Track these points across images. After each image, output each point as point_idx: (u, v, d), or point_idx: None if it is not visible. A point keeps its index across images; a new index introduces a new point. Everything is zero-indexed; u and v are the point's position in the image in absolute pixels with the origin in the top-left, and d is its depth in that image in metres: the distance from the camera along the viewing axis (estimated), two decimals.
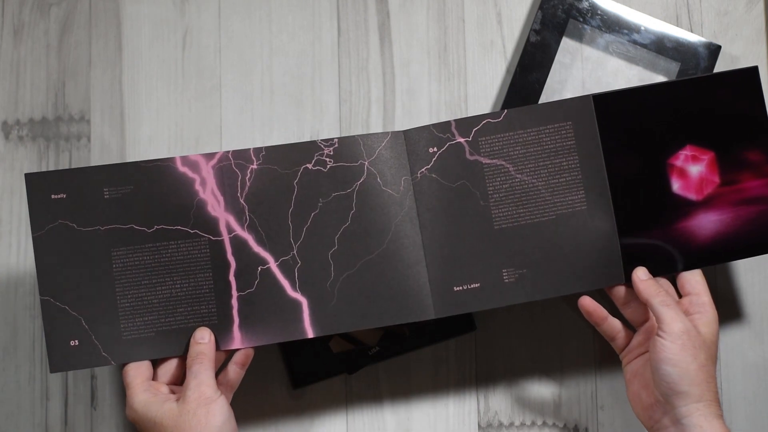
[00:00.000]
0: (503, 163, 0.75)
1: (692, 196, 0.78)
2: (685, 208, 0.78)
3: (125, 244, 0.71)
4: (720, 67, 0.92)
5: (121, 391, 0.89)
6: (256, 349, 0.90)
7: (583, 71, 0.93)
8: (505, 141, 0.75)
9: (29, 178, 0.71)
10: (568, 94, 0.92)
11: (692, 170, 0.77)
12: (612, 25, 0.92)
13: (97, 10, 0.93)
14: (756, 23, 0.94)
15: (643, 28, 0.92)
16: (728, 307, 0.91)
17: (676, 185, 0.77)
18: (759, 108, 0.78)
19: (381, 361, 0.87)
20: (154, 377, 0.77)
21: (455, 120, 0.77)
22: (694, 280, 0.79)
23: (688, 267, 0.79)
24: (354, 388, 0.89)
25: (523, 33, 0.93)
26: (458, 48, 0.93)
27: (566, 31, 0.92)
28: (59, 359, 0.74)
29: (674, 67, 0.91)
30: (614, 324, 0.80)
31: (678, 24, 0.94)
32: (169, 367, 0.77)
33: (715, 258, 0.80)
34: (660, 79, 0.93)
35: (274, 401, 0.89)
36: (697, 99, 0.78)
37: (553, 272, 0.77)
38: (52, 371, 0.74)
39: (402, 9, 0.94)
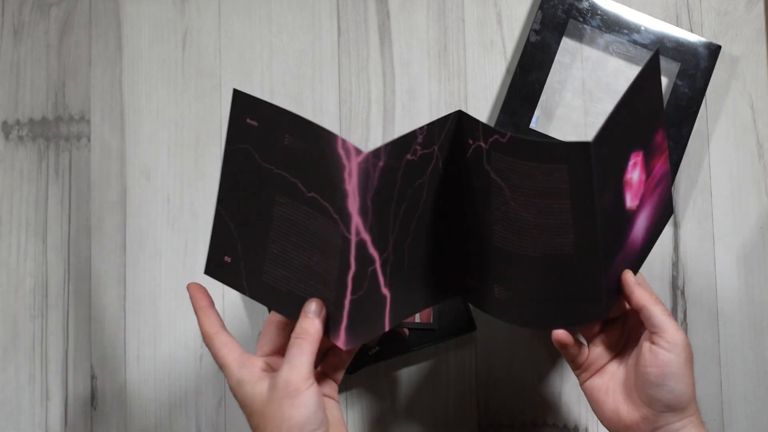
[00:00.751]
0: (503, 184, 0.71)
1: (636, 202, 0.71)
2: (631, 218, 0.71)
3: (288, 195, 0.69)
4: (720, 67, 0.92)
5: (121, 391, 0.89)
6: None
7: (583, 71, 0.93)
8: (506, 163, 0.71)
9: (237, 93, 0.68)
10: (568, 95, 0.92)
11: (634, 177, 0.70)
12: (612, 25, 0.92)
13: (97, 10, 0.93)
14: (756, 23, 0.94)
15: (643, 28, 0.92)
16: (728, 307, 0.91)
17: (628, 199, 0.70)
18: (658, 88, 0.72)
19: (381, 361, 0.87)
20: (258, 345, 0.72)
21: (482, 123, 0.70)
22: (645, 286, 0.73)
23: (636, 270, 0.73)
24: (354, 387, 0.89)
25: (523, 33, 0.93)
26: (458, 48, 0.93)
27: (566, 31, 0.92)
28: (214, 266, 0.73)
29: (674, 67, 0.91)
30: (571, 344, 0.74)
31: (678, 24, 0.94)
32: (272, 336, 0.72)
33: (644, 256, 0.74)
34: (660, 79, 0.92)
35: None
36: (628, 108, 0.70)
37: (535, 306, 0.72)
38: (205, 272, 0.72)
39: (402, 9, 0.94)
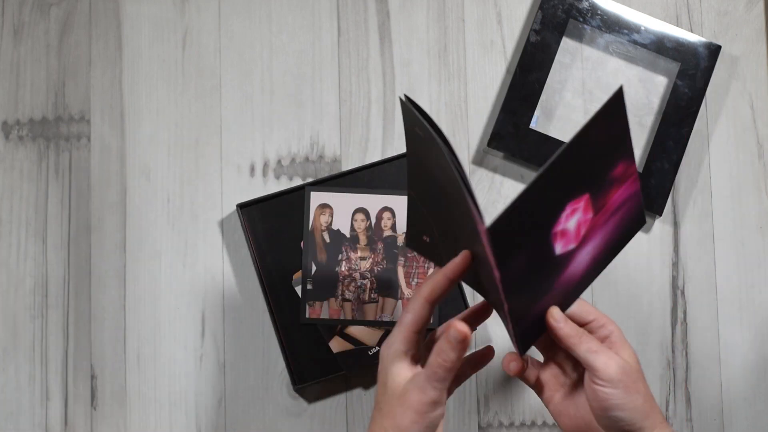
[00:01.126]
0: None
1: (572, 245, 0.68)
2: (565, 260, 0.69)
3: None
4: (720, 67, 0.92)
5: (121, 391, 0.89)
6: (257, 347, 0.90)
7: (583, 71, 0.93)
8: None
9: (405, 100, 0.67)
10: (568, 95, 0.92)
11: (571, 224, 0.68)
12: (612, 25, 0.92)
13: (97, 10, 0.93)
14: (756, 23, 0.94)
15: (643, 28, 0.91)
16: (728, 307, 0.91)
17: (559, 246, 0.68)
18: (623, 123, 0.68)
19: None
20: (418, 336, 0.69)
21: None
22: (583, 306, 0.71)
23: (567, 307, 0.72)
24: (354, 387, 0.89)
25: (523, 33, 0.93)
26: (458, 48, 0.93)
27: (566, 31, 0.92)
28: (415, 244, 0.74)
29: (674, 67, 0.91)
30: (531, 368, 0.74)
31: (678, 24, 0.94)
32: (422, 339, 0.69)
33: (585, 285, 0.72)
34: (660, 79, 0.93)
35: (275, 400, 0.89)
36: (571, 158, 0.66)
37: None
38: (407, 245, 0.74)
39: (402, 9, 0.93)
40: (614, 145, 0.68)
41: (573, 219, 0.67)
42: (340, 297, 0.88)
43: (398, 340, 0.66)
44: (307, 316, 0.88)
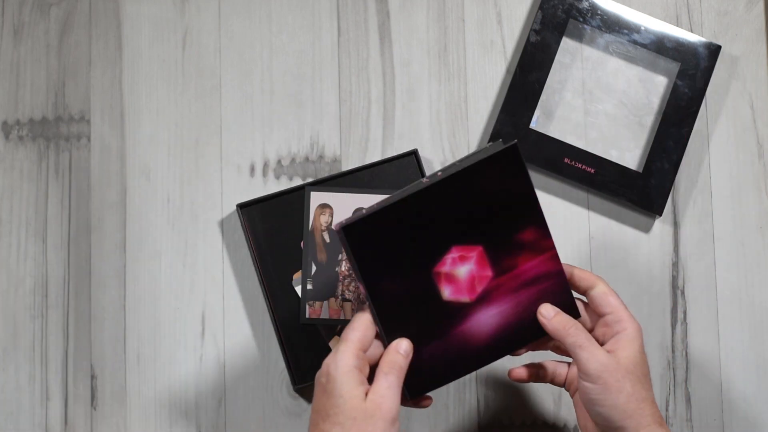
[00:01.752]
0: None
1: (465, 297, 0.70)
2: (459, 312, 0.71)
3: None
4: (720, 67, 0.92)
5: (121, 391, 0.89)
6: (257, 347, 0.91)
7: (583, 71, 0.93)
8: None
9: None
10: (568, 95, 0.92)
11: (460, 272, 0.70)
12: (612, 25, 0.92)
13: (97, 10, 0.93)
14: (756, 23, 0.94)
15: (643, 28, 0.91)
16: (728, 307, 0.91)
17: (447, 292, 0.70)
18: (524, 185, 0.69)
19: None
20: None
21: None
22: (605, 298, 0.72)
23: (469, 369, 0.73)
24: None
25: (523, 33, 0.93)
26: (458, 48, 0.93)
27: (566, 31, 0.92)
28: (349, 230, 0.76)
29: (674, 67, 0.91)
30: (547, 368, 0.77)
31: (678, 24, 0.94)
32: (377, 351, 0.71)
33: (498, 353, 0.73)
34: (660, 79, 0.93)
35: (275, 400, 0.89)
36: (458, 197, 0.69)
37: None
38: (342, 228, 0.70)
39: (402, 9, 0.93)
40: (518, 204, 0.70)
41: (463, 268, 0.70)
42: (340, 297, 0.88)
43: (349, 355, 0.68)
44: (307, 316, 0.88)
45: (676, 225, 0.92)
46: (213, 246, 0.90)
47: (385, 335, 0.70)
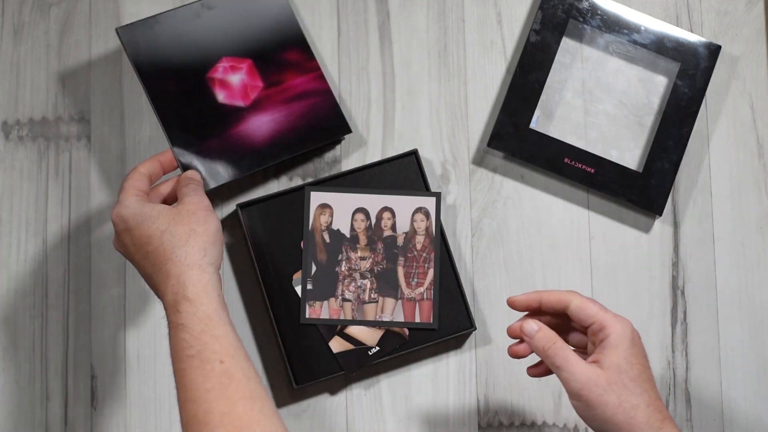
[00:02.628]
0: None
1: (240, 102, 0.85)
2: (235, 114, 0.85)
3: None
4: (720, 67, 0.92)
5: (121, 391, 0.89)
6: (257, 347, 0.91)
7: (583, 71, 0.93)
8: None
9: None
10: (568, 95, 0.92)
11: (233, 79, 0.85)
12: (612, 25, 0.92)
13: (97, 10, 0.93)
14: (756, 23, 0.94)
15: (643, 28, 0.92)
16: (728, 307, 0.91)
17: (221, 95, 0.85)
18: (285, 11, 0.87)
19: (381, 360, 0.87)
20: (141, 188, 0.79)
21: None
22: (582, 311, 0.71)
23: (253, 167, 0.85)
24: (354, 387, 0.89)
25: (523, 33, 0.93)
26: (458, 48, 0.93)
27: (566, 31, 0.92)
28: None
29: (674, 67, 0.91)
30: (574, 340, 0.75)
31: (678, 24, 0.94)
32: (163, 190, 0.81)
33: (276, 155, 0.86)
34: (660, 79, 0.93)
35: (275, 400, 0.89)
36: (234, 18, 0.86)
37: None
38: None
39: (402, 9, 0.94)
40: (281, 27, 0.87)
41: (235, 76, 0.86)
42: (340, 297, 0.88)
43: (130, 194, 0.76)
44: (307, 316, 0.88)
45: (676, 225, 0.92)
46: None
47: (168, 135, 0.83)
